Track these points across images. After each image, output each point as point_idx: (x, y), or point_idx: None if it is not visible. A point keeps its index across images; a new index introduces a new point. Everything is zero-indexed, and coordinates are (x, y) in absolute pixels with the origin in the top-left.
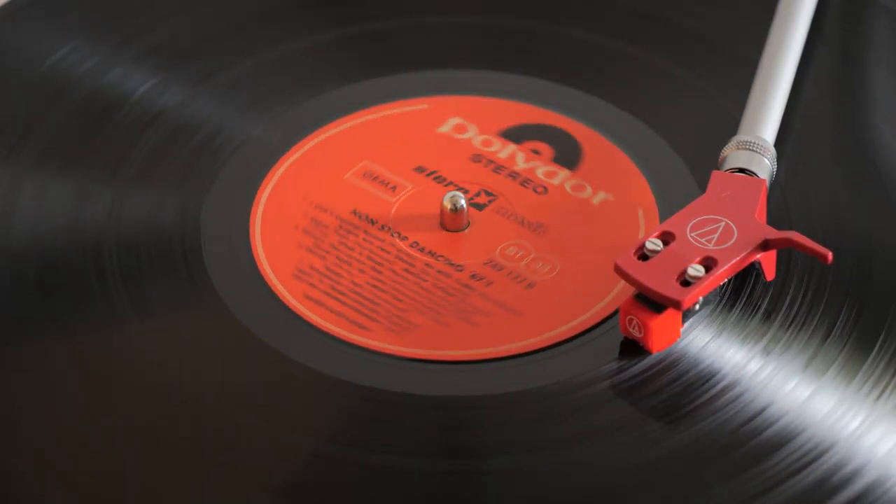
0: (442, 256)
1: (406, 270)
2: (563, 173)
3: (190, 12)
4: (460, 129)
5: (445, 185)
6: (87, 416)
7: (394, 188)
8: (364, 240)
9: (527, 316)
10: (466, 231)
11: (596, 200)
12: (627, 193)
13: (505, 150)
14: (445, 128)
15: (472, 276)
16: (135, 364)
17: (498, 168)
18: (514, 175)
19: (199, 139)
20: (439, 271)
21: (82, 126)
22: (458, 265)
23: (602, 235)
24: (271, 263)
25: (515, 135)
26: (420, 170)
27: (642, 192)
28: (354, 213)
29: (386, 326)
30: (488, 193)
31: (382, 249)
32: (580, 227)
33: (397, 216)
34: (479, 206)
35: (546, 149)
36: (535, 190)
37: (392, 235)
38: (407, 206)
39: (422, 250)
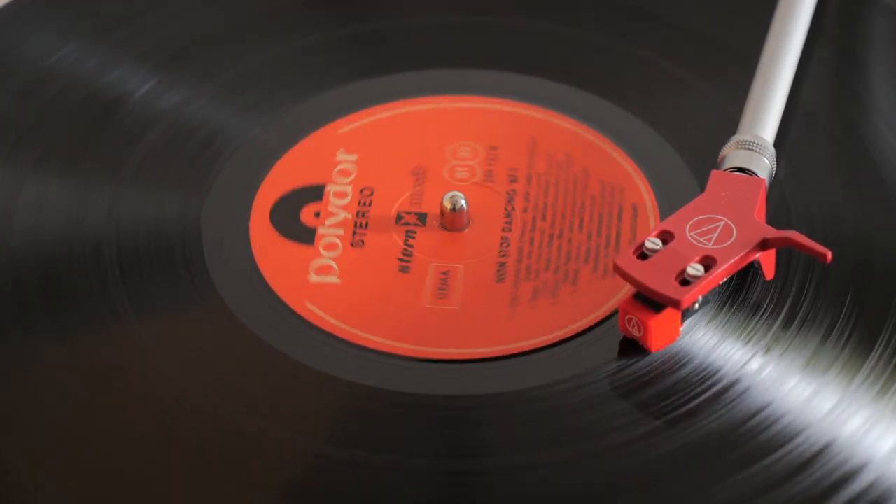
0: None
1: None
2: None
3: (190, 12)
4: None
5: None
6: (87, 416)
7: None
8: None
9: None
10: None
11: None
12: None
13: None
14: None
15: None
16: (135, 364)
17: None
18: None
19: (198, 139)
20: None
21: (82, 126)
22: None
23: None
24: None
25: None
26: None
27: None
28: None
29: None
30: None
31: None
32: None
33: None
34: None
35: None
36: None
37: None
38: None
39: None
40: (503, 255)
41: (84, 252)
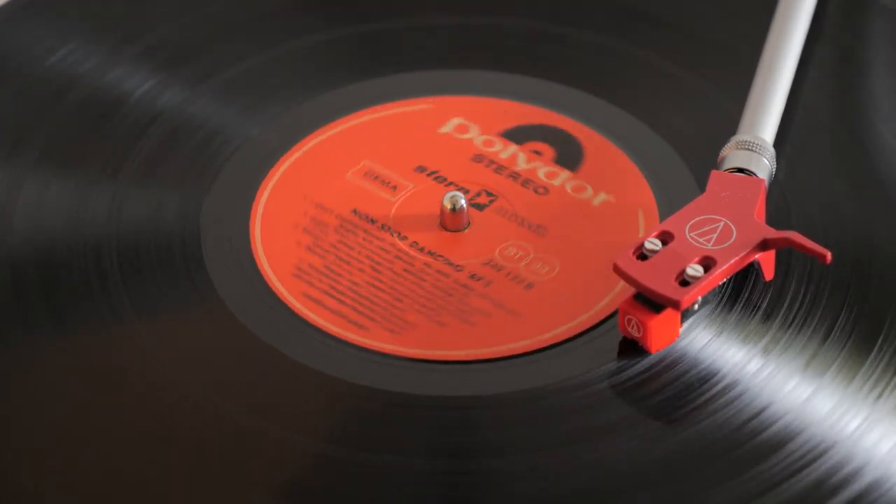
0: (441, 256)
1: (405, 270)
2: (564, 174)
3: (190, 12)
4: (462, 129)
5: (446, 185)
6: (87, 416)
7: (394, 188)
8: (364, 239)
9: (525, 316)
10: (466, 231)
11: (596, 201)
12: (628, 194)
13: (506, 151)
14: (447, 128)
15: (472, 276)
16: (135, 364)
17: (499, 168)
18: (514, 175)
19: (198, 139)
20: (438, 271)
21: (82, 126)
22: (458, 265)
23: (602, 236)
24: (271, 263)
25: (517, 135)
26: (421, 169)
27: (642, 193)
28: (355, 212)
29: (384, 326)
30: (489, 194)
31: (382, 249)
32: (580, 228)
33: (397, 216)
34: (480, 207)
35: (547, 149)
36: (535, 191)
37: (392, 235)
38: (407, 205)
39: (421, 250)
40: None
41: (84, 252)
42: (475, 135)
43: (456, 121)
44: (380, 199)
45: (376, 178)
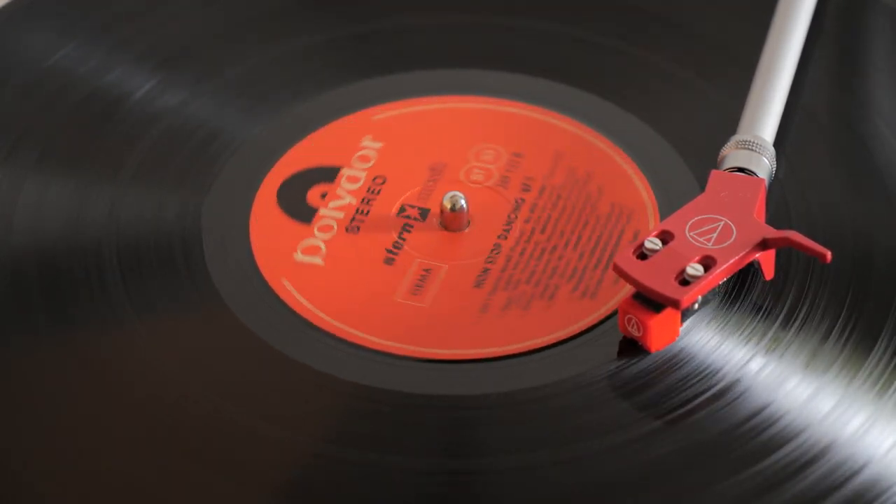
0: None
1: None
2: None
3: (189, 13)
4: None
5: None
6: (87, 416)
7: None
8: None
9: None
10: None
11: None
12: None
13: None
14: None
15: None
16: (135, 364)
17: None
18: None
19: (198, 139)
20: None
21: (82, 126)
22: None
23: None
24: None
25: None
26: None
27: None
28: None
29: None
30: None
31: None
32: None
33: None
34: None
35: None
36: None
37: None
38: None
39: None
40: (490, 262)
41: (84, 252)
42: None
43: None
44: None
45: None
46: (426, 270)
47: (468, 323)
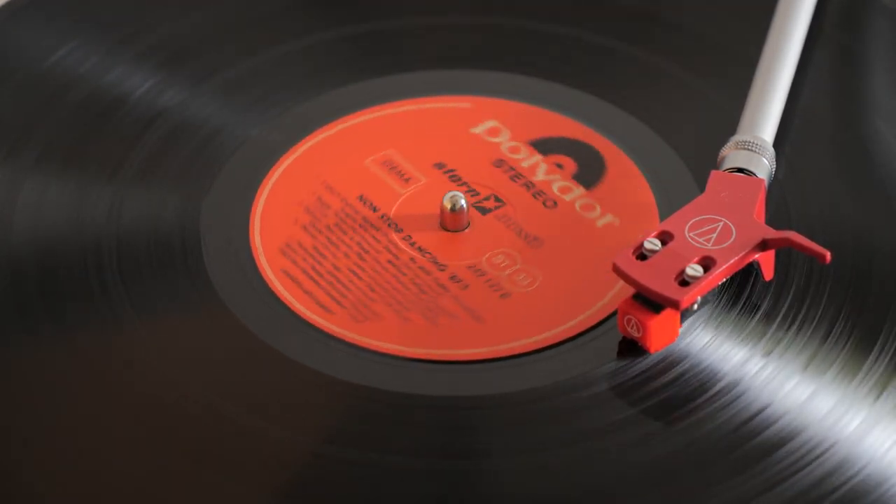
0: (429, 254)
1: (389, 262)
2: (578, 191)
3: (190, 12)
4: (493, 132)
5: (459, 185)
6: (88, 416)
7: (407, 180)
8: (360, 226)
9: (489, 325)
10: (465, 232)
11: (601, 223)
12: (635, 219)
13: (529, 160)
14: (479, 129)
15: (452, 278)
16: (135, 364)
17: (516, 176)
18: (529, 185)
19: (199, 139)
20: (421, 267)
21: (82, 126)
22: (442, 265)
23: (595, 257)
24: (271, 263)
25: (544, 146)
26: (440, 166)
27: (642, 192)
28: (361, 198)
29: (350, 313)
30: (497, 199)
31: (374, 239)
32: (576, 245)
33: (401, 209)
34: (484, 211)
35: (570, 164)
36: (544, 203)
37: (389, 226)
38: (413, 199)
39: (412, 245)
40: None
41: (84, 252)
42: (504, 139)
43: (490, 123)
44: (390, 189)
45: (393, 168)
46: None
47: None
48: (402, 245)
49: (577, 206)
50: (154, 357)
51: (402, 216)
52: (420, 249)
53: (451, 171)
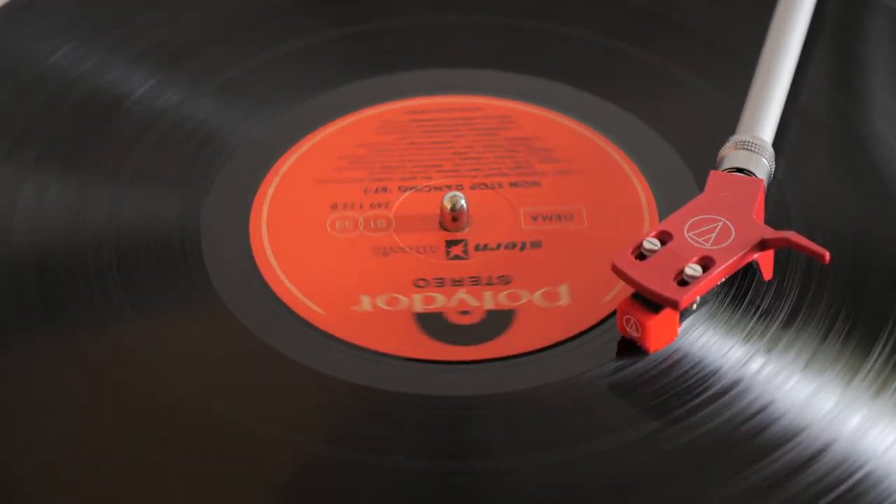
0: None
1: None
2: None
3: (190, 12)
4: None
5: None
6: (87, 416)
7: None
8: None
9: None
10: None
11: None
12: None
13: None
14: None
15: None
16: (135, 364)
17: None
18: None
19: (198, 139)
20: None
21: (82, 126)
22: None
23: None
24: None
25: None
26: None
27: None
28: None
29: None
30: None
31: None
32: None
33: (401, 209)
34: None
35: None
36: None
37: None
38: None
39: (412, 244)
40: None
41: (84, 252)
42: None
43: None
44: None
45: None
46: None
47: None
48: (402, 244)
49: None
50: (154, 357)
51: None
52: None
53: (452, 171)
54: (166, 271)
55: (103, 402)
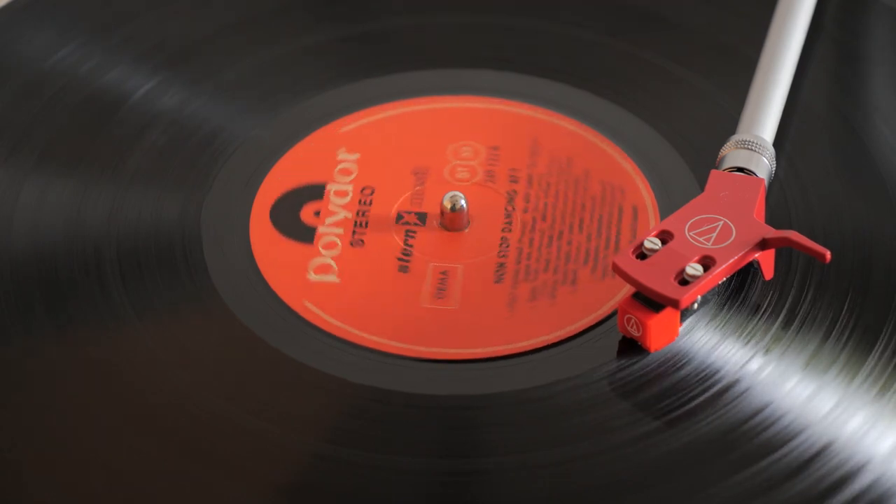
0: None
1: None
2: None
3: (189, 13)
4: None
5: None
6: (88, 416)
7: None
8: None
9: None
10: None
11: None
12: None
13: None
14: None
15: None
16: (135, 364)
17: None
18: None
19: (198, 139)
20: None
21: (82, 126)
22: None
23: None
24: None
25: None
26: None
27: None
28: (360, 198)
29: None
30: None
31: (375, 238)
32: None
33: (401, 208)
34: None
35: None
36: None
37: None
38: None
39: (414, 244)
40: (502, 256)
41: (84, 252)
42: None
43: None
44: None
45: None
46: (443, 273)
47: (471, 323)
48: (402, 244)
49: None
50: (154, 357)
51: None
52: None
53: (452, 171)
54: (166, 271)
55: (103, 402)
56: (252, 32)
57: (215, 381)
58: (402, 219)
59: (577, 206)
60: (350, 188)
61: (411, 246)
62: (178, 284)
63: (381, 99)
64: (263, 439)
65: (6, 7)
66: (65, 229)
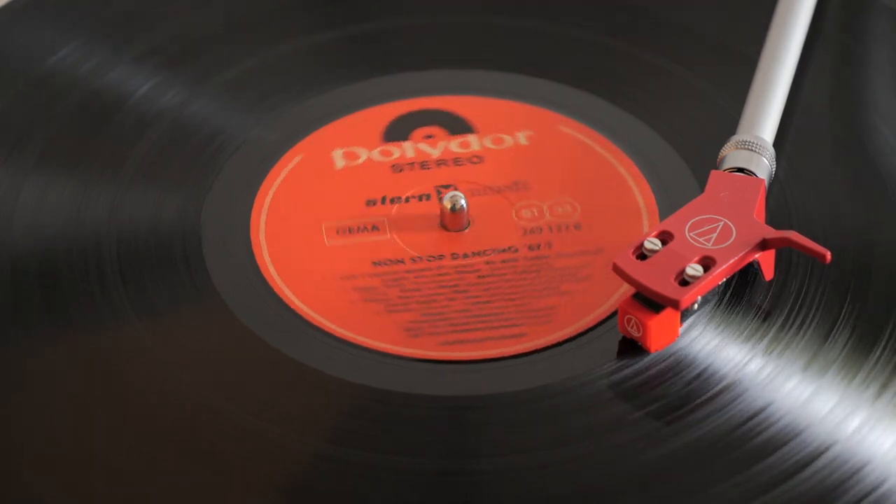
0: (429, 253)
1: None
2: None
3: (190, 12)
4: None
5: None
6: (87, 416)
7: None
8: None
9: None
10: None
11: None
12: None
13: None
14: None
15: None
16: (135, 364)
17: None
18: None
19: (199, 139)
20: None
21: (82, 126)
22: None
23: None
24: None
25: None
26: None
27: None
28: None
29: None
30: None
31: (375, 238)
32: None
33: (401, 208)
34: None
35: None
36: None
37: (392, 234)
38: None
39: (413, 245)
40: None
41: (84, 252)
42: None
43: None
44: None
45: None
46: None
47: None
48: (403, 245)
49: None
50: (154, 356)
51: (403, 216)
52: (420, 249)
53: (452, 173)
54: (167, 271)
55: (103, 401)
56: (252, 32)
57: (215, 381)
58: (403, 218)
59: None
60: (351, 188)
61: (412, 245)
62: (178, 284)
63: (382, 99)
64: (263, 439)
65: (6, 7)
66: (65, 229)
